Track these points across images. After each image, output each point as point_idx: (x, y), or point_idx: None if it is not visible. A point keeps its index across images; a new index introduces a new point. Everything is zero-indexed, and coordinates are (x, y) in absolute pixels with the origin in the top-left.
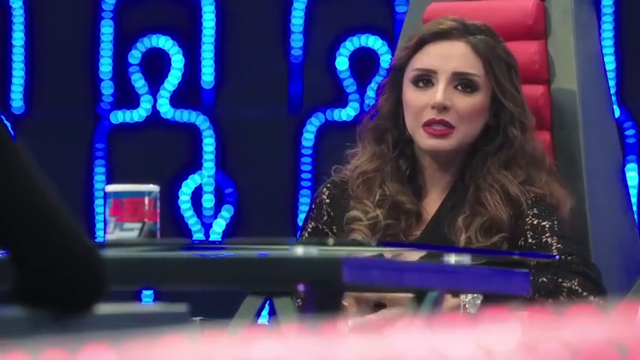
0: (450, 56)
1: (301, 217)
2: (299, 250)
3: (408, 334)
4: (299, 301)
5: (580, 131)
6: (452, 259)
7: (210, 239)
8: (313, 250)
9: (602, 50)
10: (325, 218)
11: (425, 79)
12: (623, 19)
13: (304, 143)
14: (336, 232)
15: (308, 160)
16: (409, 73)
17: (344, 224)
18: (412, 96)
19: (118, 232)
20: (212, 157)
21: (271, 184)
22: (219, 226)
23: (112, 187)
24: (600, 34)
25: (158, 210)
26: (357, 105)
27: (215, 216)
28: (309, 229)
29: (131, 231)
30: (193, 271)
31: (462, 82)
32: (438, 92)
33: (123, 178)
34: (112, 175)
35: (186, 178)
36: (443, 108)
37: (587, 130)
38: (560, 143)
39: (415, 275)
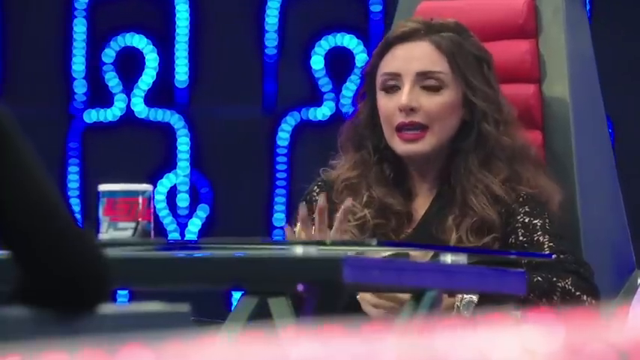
0: (412, 57)
1: (277, 216)
2: (298, 250)
3: (451, 335)
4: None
5: (571, 130)
6: (448, 258)
7: (185, 239)
8: (313, 250)
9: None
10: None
11: (392, 84)
12: (596, 17)
13: (279, 142)
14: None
15: (283, 159)
16: (379, 79)
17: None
18: (382, 102)
19: (112, 232)
20: (187, 156)
21: (246, 183)
22: (194, 226)
23: (105, 187)
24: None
25: (152, 209)
26: (332, 104)
27: (190, 215)
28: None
29: (125, 230)
30: (191, 271)
31: (428, 82)
32: (403, 94)
33: (97, 177)
34: (85, 174)
35: (161, 178)
36: (410, 110)
37: (578, 129)
38: (551, 142)
39: (415, 275)
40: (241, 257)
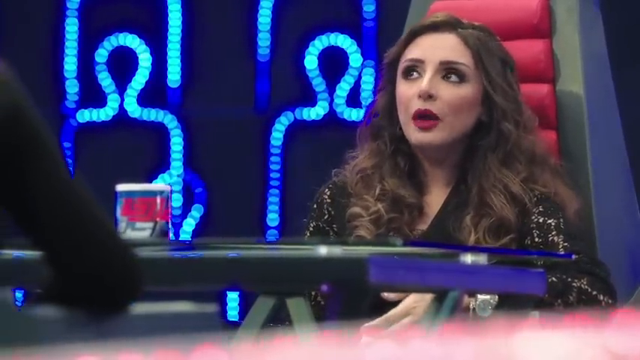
0: (438, 46)
1: (271, 216)
2: (323, 250)
3: (529, 336)
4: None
5: (586, 130)
6: (468, 258)
7: (180, 239)
8: (337, 250)
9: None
10: (326, 217)
11: (414, 71)
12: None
13: (273, 142)
14: (337, 230)
15: (277, 159)
16: (400, 66)
17: (345, 222)
18: (402, 88)
19: (130, 232)
20: (180, 156)
21: (240, 183)
22: (188, 226)
23: (123, 187)
24: None
25: (170, 210)
26: (326, 104)
27: (184, 216)
28: (310, 229)
29: (143, 230)
30: (213, 272)
31: (450, 72)
32: (424, 81)
33: (90, 178)
34: (78, 175)
35: (155, 178)
36: (428, 96)
37: (593, 129)
38: (565, 142)
39: (439, 275)
40: (267, 257)
